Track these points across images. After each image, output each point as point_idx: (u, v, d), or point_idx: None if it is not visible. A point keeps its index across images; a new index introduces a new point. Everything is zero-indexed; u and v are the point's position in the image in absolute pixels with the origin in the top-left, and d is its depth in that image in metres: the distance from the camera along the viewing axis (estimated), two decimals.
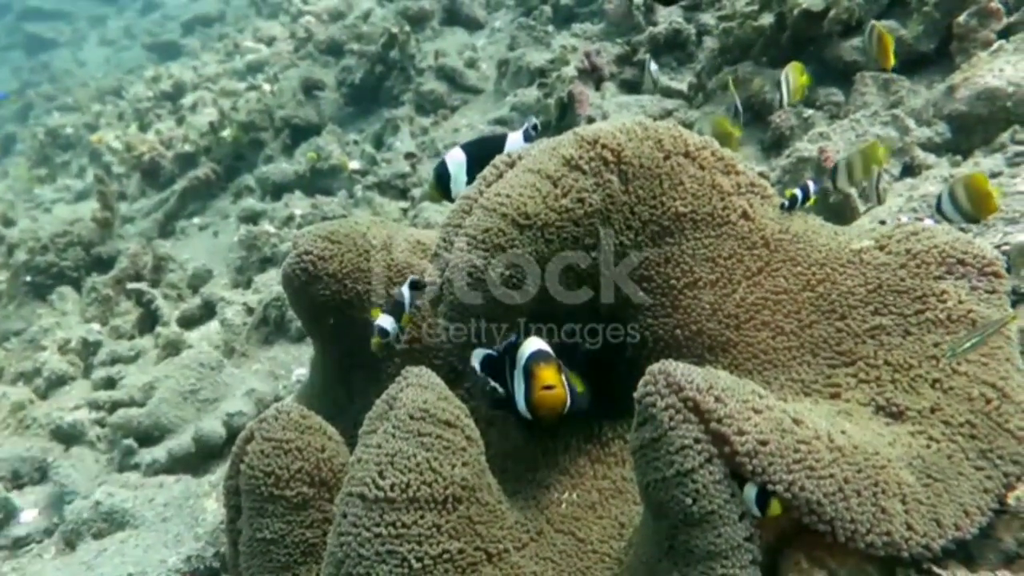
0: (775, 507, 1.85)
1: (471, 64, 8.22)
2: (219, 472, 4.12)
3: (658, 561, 1.96)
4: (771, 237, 2.65)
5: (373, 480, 2.12)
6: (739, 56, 4.91)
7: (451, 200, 3.30)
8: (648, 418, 1.90)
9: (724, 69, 4.98)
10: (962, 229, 2.99)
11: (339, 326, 3.19)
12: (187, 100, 11.80)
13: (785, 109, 4.16)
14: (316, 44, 10.61)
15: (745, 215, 2.67)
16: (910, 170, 3.85)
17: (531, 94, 6.32)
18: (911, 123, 3.92)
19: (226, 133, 9.06)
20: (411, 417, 2.19)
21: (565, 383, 2.38)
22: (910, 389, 2.19)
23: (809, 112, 4.47)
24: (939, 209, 2.89)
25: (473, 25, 9.49)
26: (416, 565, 2.08)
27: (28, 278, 7.61)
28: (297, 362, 4.80)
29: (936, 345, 2.24)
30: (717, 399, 1.87)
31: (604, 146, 2.61)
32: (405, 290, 2.83)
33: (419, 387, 2.26)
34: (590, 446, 2.67)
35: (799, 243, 2.63)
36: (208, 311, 6.01)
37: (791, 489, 1.84)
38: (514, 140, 3.05)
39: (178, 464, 4.26)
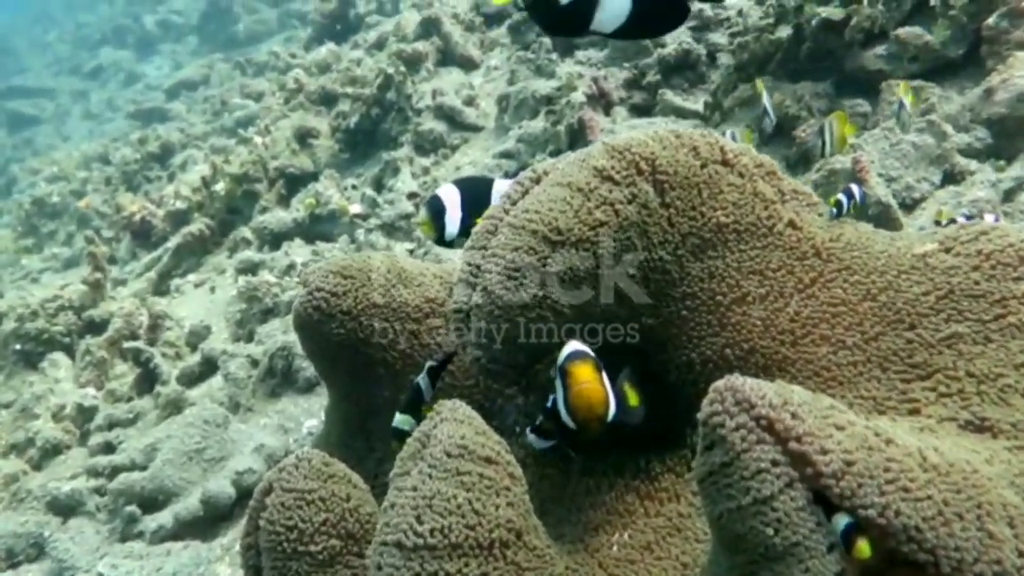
0: (863, 549, 1.66)
1: (469, 102, 8.14)
2: (231, 535, 3.94)
3: None
4: (822, 246, 2.51)
5: (410, 526, 1.96)
6: (755, 72, 4.81)
7: (443, 239, 3.12)
8: (716, 441, 1.74)
9: (739, 87, 4.88)
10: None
11: (356, 367, 3.05)
12: (176, 159, 11.69)
13: (827, 157, 4.04)
14: (307, 95, 10.54)
15: (792, 224, 2.53)
16: (951, 177, 3.72)
17: (537, 125, 6.22)
18: (948, 128, 3.80)
19: (219, 187, 8.95)
20: (448, 455, 2.04)
21: (606, 384, 2.20)
22: (999, 401, 2.03)
23: None
24: None
25: (468, 65, 9.45)
26: None
27: (17, 346, 7.43)
28: (307, 414, 4.63)
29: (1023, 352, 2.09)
30: (794, 415, 1.71)
31: (637, 155, 2.48)
32: (423, 380, 2.67)
33: (455, 422, 2.11)
34: (638, 482, 2.50)
35: (854, 251, 2.49)
36: (209, 367, 5.85)
37: (885, 514, 1.66)
38: (501, 186, 2.90)
39: (186, 529, 4.08)
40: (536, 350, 2.42)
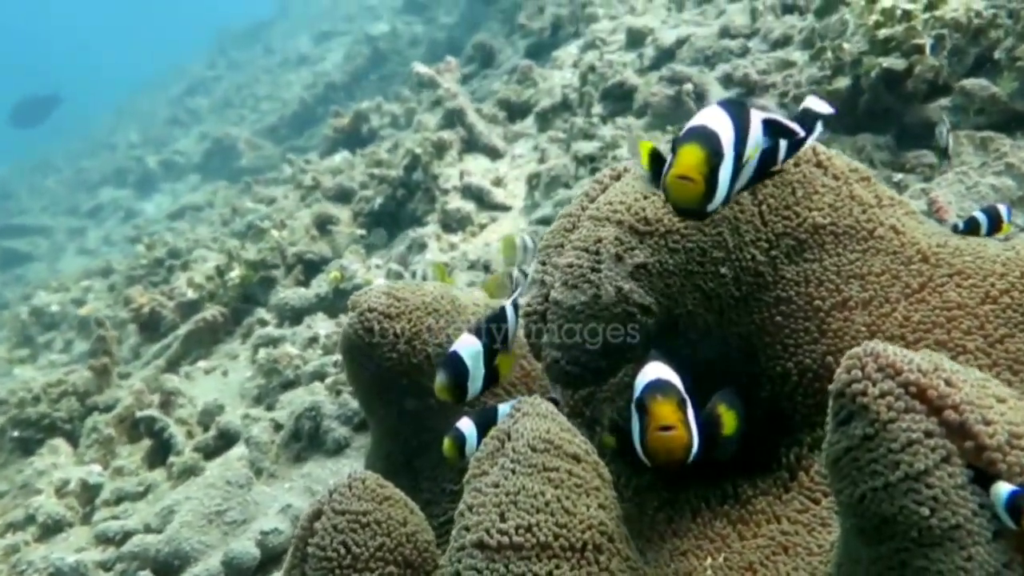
0: None
1: (497, 183, 8.07)
2: None
3: None
4: (928, 251, 2.35)
5: (493, 523, 1.76)
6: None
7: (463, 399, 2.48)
8: (856, 411, 1.56)
9: None
10: None
11: (406, 397, 2.86)
12: (187, 258, 11.38)
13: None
14: (324, 191, 10.41)
15: (894, 229, 2.38)
16: None
17: (574, 193, 6.12)
18: None
19: (234, 274, 8.76)
20: (533, 449, 1.85)
21: (690, 422, 1.99)
22: None
23: (899, 176, 4.23)
24: None
25: (493, 154, 9.39)
26: None
27: (15, 433, 7.12)
28: (335, 476, 4.39)
29: None
30: (948, 382, 1.54)
31: None
32: (505, 407, 2.42)
33: (537, 416, 1.93)
34: (727, 507, 2.30)
35: (964, 255, 2.32)
36: (226, 442, 5.61)
37: None
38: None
39: None
40: (620, 352, 2.24)
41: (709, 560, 2.14)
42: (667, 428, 1.93)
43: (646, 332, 2.23)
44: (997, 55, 4.36)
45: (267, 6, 29.35)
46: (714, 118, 1.89)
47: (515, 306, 2.47)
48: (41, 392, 7.35)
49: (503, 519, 1.76)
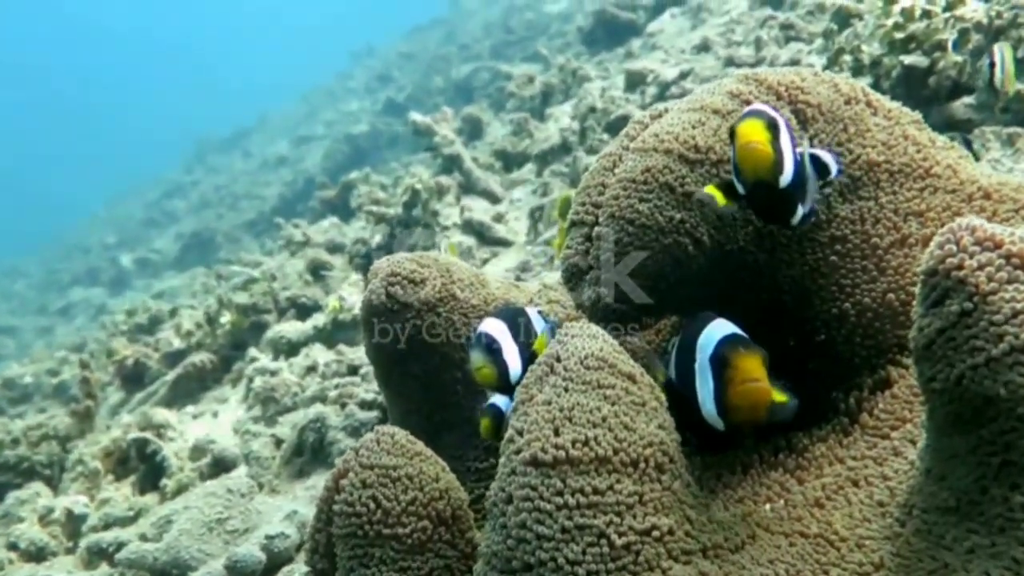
0: None
1: (498, 219, 8.01)
2: None
3: (982, 492, 1.46)
4: (990, 188, 2.27)
5: (547, 438, 1.64)
6: None
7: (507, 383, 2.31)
8: (952, 287, 1.45)
9: None
10: None
11: (430, 369, 2.75)
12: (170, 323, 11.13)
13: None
14: (313, 244, 10.31)
15: (952, 168, 2.30)
16: None
17: None
18: None
19: (224, 319, 8.59)
20: (586, 367, 1.73)
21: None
22: None
23: None
24: None
25: (491, 198, 9.34)
26: (619, 542, 1.57)
27: None
28: None
29: None
30: None
31: (775, 82, 2.28)
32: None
33: (588, 337, 1.81)
34: (782, 457, 2.17)
35: None
36: (221, 469, 5.44)
37: None
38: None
39: None
40: (670, 288, 2.13)
41: (767, 505, 2.01)
42: (754, 381, 1.83)
43: (697, 269, 2.13)
44: (1020, 54, 4.33)
45: (246, 117, 29.56)
46: (763, 107, 1.99)
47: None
48: (20, 435, 7.14)
49: (557, 434, 1.64)
